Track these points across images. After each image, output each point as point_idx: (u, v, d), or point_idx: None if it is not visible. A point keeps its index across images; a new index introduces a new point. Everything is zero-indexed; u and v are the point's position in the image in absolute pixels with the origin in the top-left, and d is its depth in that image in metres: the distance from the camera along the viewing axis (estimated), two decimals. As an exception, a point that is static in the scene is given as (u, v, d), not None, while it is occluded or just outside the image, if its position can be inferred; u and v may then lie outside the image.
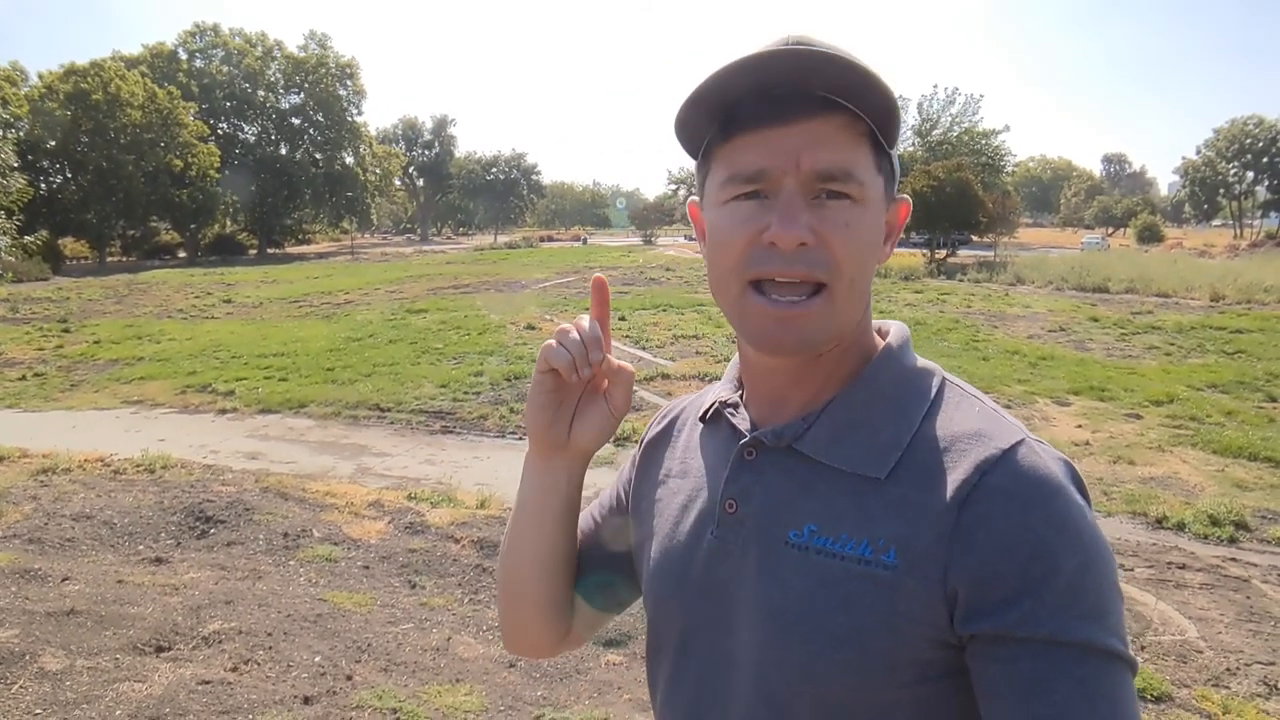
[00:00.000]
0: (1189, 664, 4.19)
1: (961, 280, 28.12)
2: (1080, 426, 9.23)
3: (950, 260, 35.99)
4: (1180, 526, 6.25)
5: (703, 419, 0.98)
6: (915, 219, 35.32)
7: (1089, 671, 0.69)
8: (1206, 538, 6.08)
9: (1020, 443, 0.76)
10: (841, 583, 0.76)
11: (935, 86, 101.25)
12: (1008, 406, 9.93)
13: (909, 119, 72.05)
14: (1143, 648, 4.34)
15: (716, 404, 0.95)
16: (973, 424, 0.79)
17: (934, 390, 0.84)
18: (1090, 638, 0.69)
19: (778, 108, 0.77)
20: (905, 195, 0.88)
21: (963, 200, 35.04)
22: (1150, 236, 62.53)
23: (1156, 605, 4.89)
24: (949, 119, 68.13)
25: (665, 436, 1.05)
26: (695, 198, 0.90)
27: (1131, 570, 5.44)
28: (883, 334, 0.91)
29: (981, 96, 76.52)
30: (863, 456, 0.80)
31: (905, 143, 71.13)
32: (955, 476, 0.75)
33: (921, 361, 0.88)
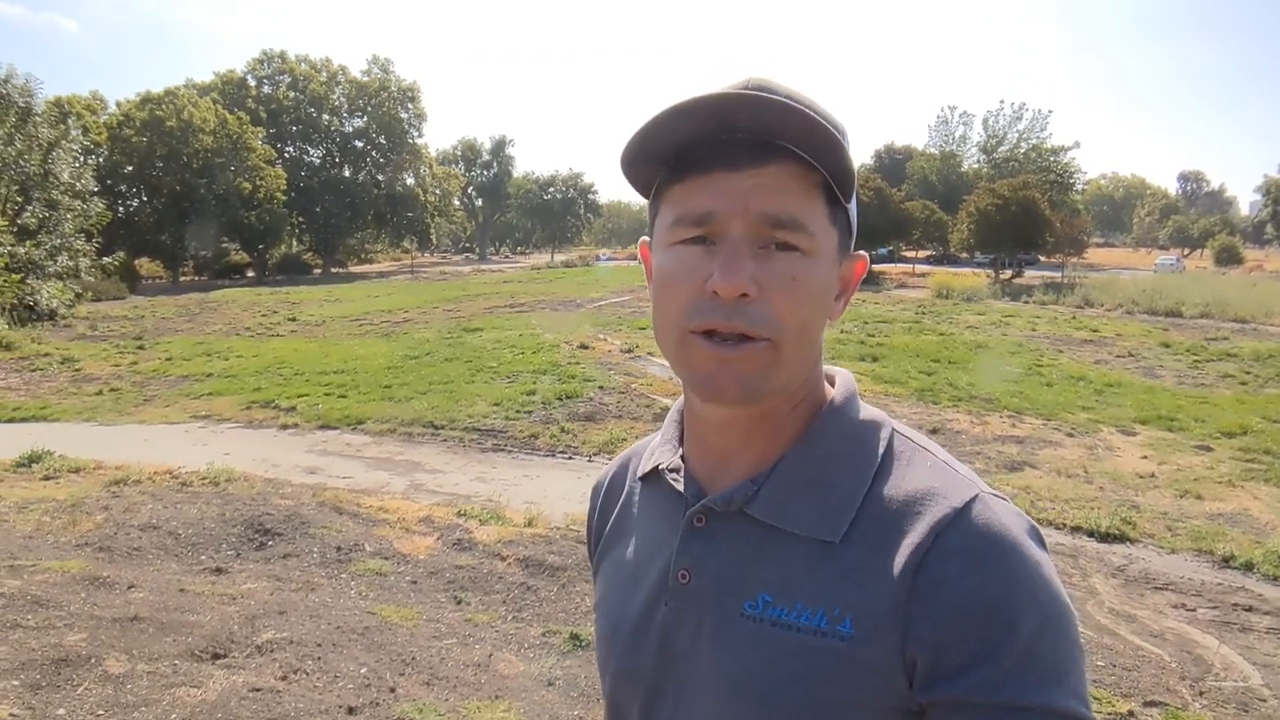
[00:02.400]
0: (1250, 713, 4.05)
1: (1027, 302, 27.63)
2: (1146, 458, 8.98)
3: (1015, 281, 35.39)
4: (1248, 566, 6.01)
5: (644, 478, 0.95)
6: (978, 238, 35.20)
7: None
8: (1276, 579, 5.85)
9: (974, 499, 0.74)
10: (798, 655, 0.74)
11: (1001, 102, 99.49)
12: (1070, 435, 9.95)
13: (974, 135, 71.28)
14: (1201, 693, 4.22)
15: (656, 467, 0.92)
16: (925, 481, 0.77)
17: (883, 444, 0.82)
18: (1049, 701, 0.67)
19: (731, 152, 0.75)
20: (862, 252, 0.85)
21: (1028, 219, 34.50)
22: (1228, 258, 60.75)
23: (1219, 649, 4.74)
24: (1015, 135, 67.17)
25: (614, 491, 1.04)
26: (646, 237, 0.87)
27: (1194, 611, 5.30)
28: (830, 382, 0.88)
29: (1050, 112, 75.38)
30: (815, 519, 0.78)
31: (970, 159, 70.31)
32: (910, 539, 0.73)
33: (868, 412, 0.85)
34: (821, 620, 0.74)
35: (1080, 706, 0.68)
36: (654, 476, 0.92)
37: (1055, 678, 0.68)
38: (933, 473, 0.78)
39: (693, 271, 0.76)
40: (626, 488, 1.00)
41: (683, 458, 0.90)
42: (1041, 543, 0.75)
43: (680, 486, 0.87)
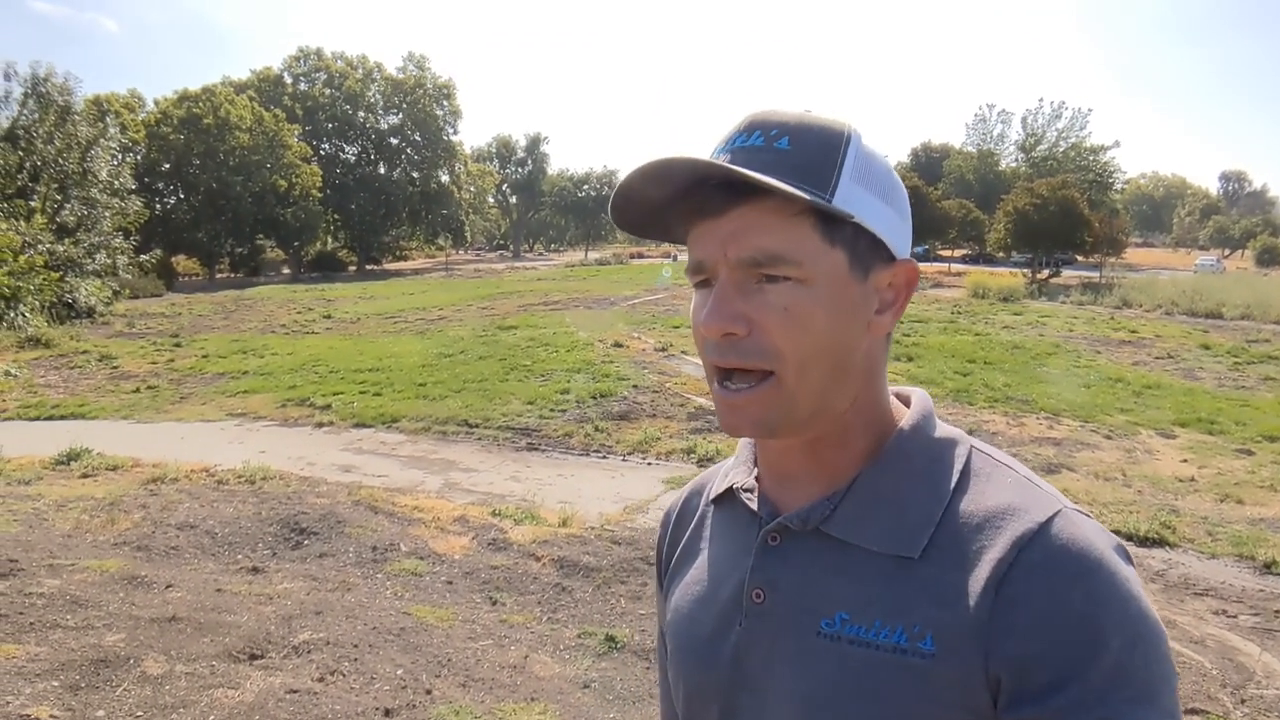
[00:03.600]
0: (1293, 721, 3.98)
1: (1064, 302, 27.35)
2: (1185, 461, 8.86)
3: (1053, 281, 35.02)
4: (1291, 573, 5.88)
5: (716, 500, 0.95)
6: (1015, 237, 34.84)
7: None
8: (1319, 585, 5.72)
9: (1057, 514, 0.73)
10: (876, 673, 0.73)
11: (1040, 100, 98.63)
12: (1108, 438, 9.77)
13: (1012, 133, 70.59)
14: (1242, 701, 4.15)
15: (730, 487, 0.92)
16: (1006, 497, 0.76)
17: (962, 461, 0.80)
18: None
19: (708, 201, 0.76)
20: (908, 259, 0.82)
21: (1066, 219, 34.15)
22: (1270, 259, 59.87)
23: (1261, 656, 4.66)
24: (1054, 134, 66.53)
25: (685, 517, 1.02)
26: None
27: (1235, 617, 5.21)
28: (905, 402, 0.87)
29: (1090, 110, 74.51)
30: (893, 536, 0.77)
31: (1009, 158, 69.67)
32: (991, 555, 0.72)
33: (946, 430, 0.84)
34: (901, 637, 0.73)
35: None
36: (728, 497, 0.92)
37: (1147, 696, 0.66)
38: (1014, 489, 0.77)
39: (697, 312, 0.80)
40: (699, 512, 0.99)
41: (757, 479, 0.90)
42: (1128, 558, 0.73)
43: (754, 505, 0.87)
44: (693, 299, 0.82)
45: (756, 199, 0.74)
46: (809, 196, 0.73)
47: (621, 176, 0.77)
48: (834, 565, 0.79)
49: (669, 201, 0.79)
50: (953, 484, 0.78)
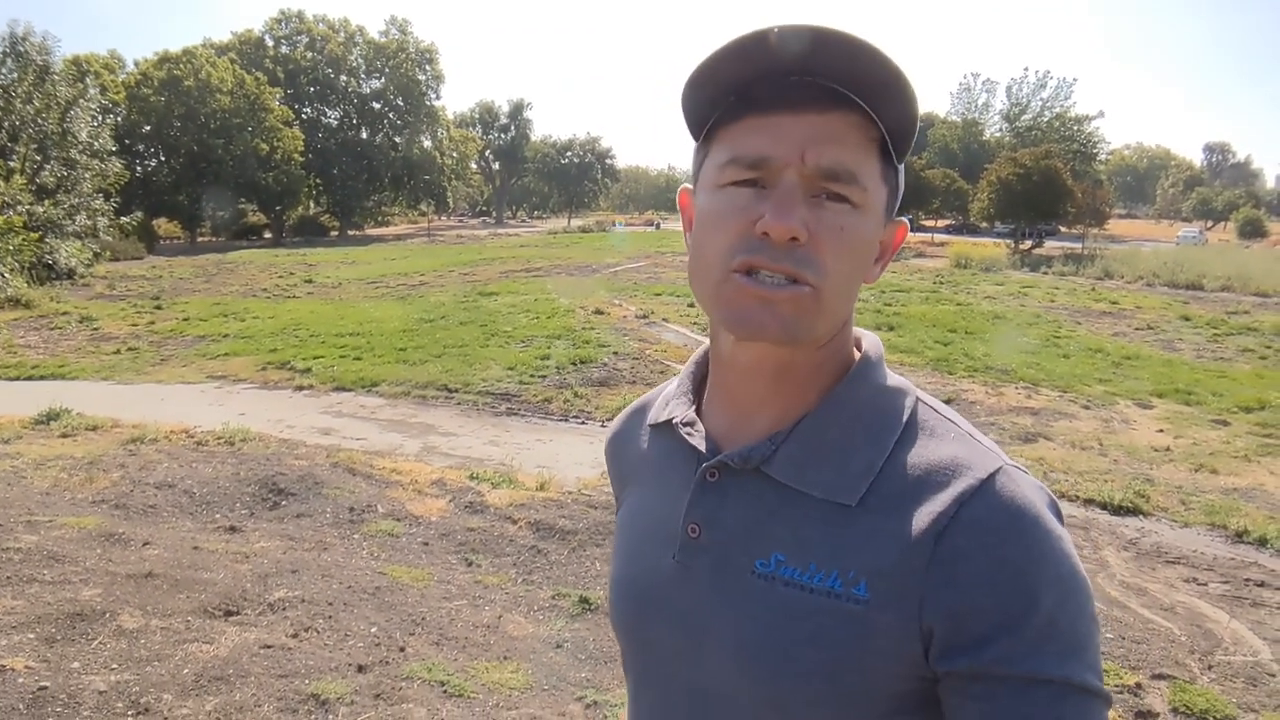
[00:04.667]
0: (1259, 687, 4.04)
1: (1046, 273, 27.42)
2: (1162, 431, 8.94)
3: (1035, 252, 35.14)
4: (1262, 542, 5.98)
5: (655, 428, 0.94)
6: (999, 208, 34.82)
7: (1067, 709, 0.67)
8: (1290, 554, 5.82)
9: (998, 471, 0.73)
10: (810, 616, 0.74)
11: (1025, 69, 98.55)
12: (1086, 408, 9.88)
13: (997, 103, 70.46)
14: (1210, 667, 4.22)
15: (670, 420, 0.90)
16: (949, 450, 0.76)
17: (907, 412, 0.81)
18: (1069, 675, 0.67)
19: (790, 94, 0.73)
20: (903, 218, 0.83)
21: (1050, 189, 34.18)
22: (1252, 231, 60.03)
23: (1229, 623, 4.74)
24: (1039, 104, 66.39)
25: (619, 446, 1.03)
26: (688, 185, 0.86)
27: (1205, 585, 5.29)
28: (857, 345, 0.87)
29: (1075, 80, 74.24)
30: (833, 482, 0.77)
31: (993, 128, 69.56)
32: (931, 507, 0.72)
33: (894, 379, 0.84)
34: (835, 582, 0.73)
35: (1095, 680, 0.69)
36: (667, 429, 0.91)
37: (1074, 651, 0.69)
38: (956, 443, 0.77)
39: (742, 212, 0.74)
40: (639, 438, 0.98)
41: (698, 412, 0.89)
42: (1060, 517, 0.74)
43: (695, 441, 0.85)
44: (717, 198, 0.77)
45: (845, 111, 0.73)
46: (898, 128, 0.74)
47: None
48: (772, 506, 0.79)
49: (746, 83, 0.75)
50: (897, 435, 0.79)
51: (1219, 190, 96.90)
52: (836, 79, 0.72)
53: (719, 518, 0.81)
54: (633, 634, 0.90)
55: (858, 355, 0.85)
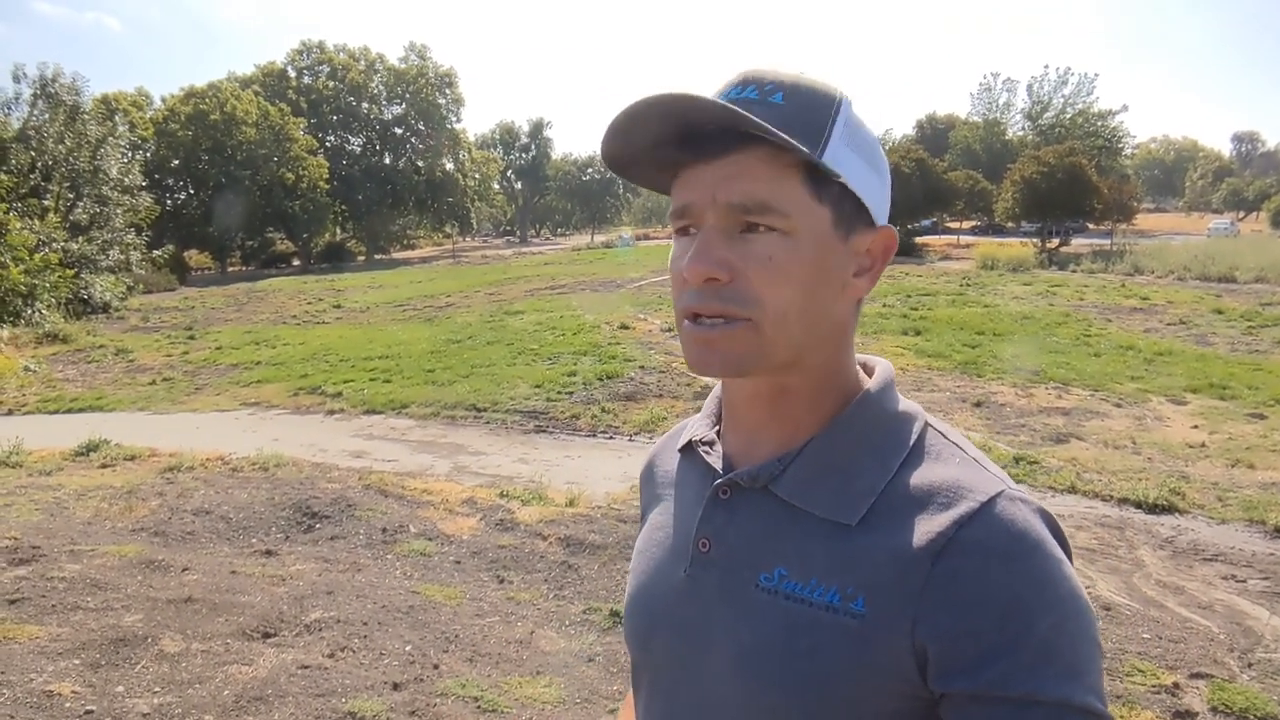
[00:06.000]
0: (1301, 685, 3.99)
1: (1074, 271, 27.14)
2: (1196, 427, 8.83)
3: (1062, 250, 34.77)
4: (1302, 537, 5.88)
5: (682, 450, 0.98)
6: (1024, 207, 34.47)
7: None
8: (1330, 549, 5.71)
9: (999, 495, 0.74)
10: (809, 629, 0.75)
11: (1046, 67, 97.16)
12: (1118, 406, 9.79)
13: (1018, 102, 69.95)
14: (1250, 665, 4.16)
15: (691, 440, 0.95)
16: (951, 474, 0.77)
17: (914, 436, 0.82)
18: (1068, 696, 0.68)
19: (699, 145, 0.77)
20: (887, 225, 0.84)
21: (1075, 186, 33.83)
22: (1286, 221, 59.05)
23: (1269, 620, 4.68)
24: (1061, 100, 65.77)
25: (651, 468, 1.07)
26: None
27: (1244, 582, 5.22)
28: (868, 371, 0.89)
29: (1096, 75, 73.52)
30: (836, 502, 0.79)
31: (1015, 127, 69.01)
32: (930, 528, 0.73)
33: (904, 404, 0.85)
34: (834, 597, 0.75)
35: (1097, 702, 0.69)
36: (690, 450, 0.95)
37: (1074, 673, 0.69)
38: (960, 467, 0.79)
39: (677, 261, 0.80)
40: (669, 461, 1.02)
41: (718, 434, 0.93)
42: (1064, 542, 0.76)
43: (711, 460, 0.89)
44: (671, 248, 0.83)
45: (749, 146, 0.75)
46: (805, 149, 0.74)
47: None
48: (778, 524, 0.81)
49: (658, 143, 0.79)
50: (901, 457, 0.80)
51: (1249, 180, 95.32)
52: (734, 121, 0.74)
53: (727, 533, 0.84)
54: (643, 646, 0.92)
55: (866, 380, 0.87)
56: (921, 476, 0.78)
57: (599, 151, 0.82)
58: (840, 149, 0.77)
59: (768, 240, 0.76)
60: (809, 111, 0.76)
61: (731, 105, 0.74)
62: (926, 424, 0.84)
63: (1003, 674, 0.68)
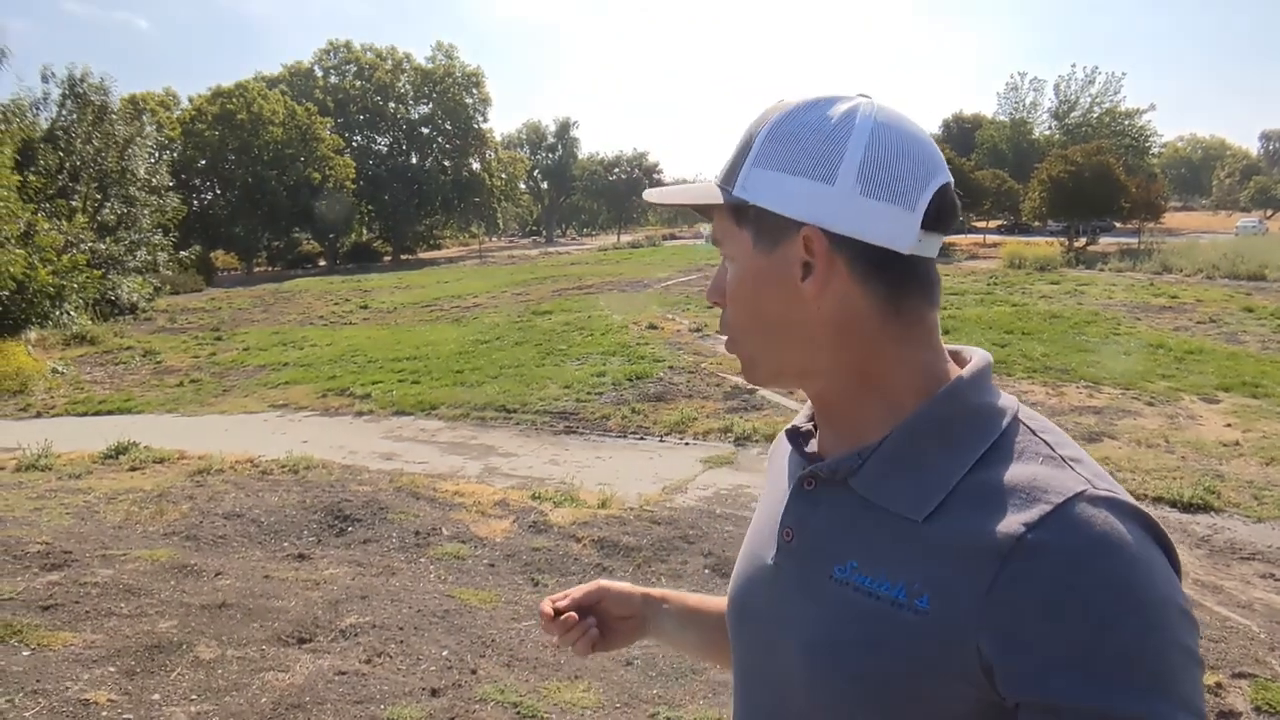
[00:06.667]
0: (1344, 683, 3.92)
1: (1102, 270, 26.89)
2: (1229, 426, 8.73)
3: (1090, 249, 34.42)
4: (1340, 534, 5.79)
5: (787, 435, 0.99)
6: (1051, 206, 34.30)
7: None
8: (1369, 546, 5.64)
9: (1079, 495, 0.71)
10: (875, 623, 0.75)
11: (1073, 66, 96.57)
12: (1149, 404, 9.63)
13: (1045, 101, 69.46)
14: (1290, 664, 4.11)
15: (795, 426, 0.98)
16: (1030, 472, 0.75)
17: (1000, 431, 0.79)
18: (1150, 712, 0.64)
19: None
20: (808, 224, 0.81)
21: (1102, 185, 33.59)
22: (1314, 218, 58.23)
23: (1310, 618, 4.62)
24: (1088, 100, 65.37)
25: (775, 449, 1.09)
26: None
27: (1281, 581, 5.16)
28: (961, 362, 0.87)
29: (1124, 74, 72.48)
30: (905, 497, 0.78)
31: (1042, 126, 68.54)
32: (1000, 528, 0.71)
33: (997, 397, 0.83)
34: (900, 592, 0.74)
35: (1189, 718, 0.65)
36: (793, 436, 0.97)
37: (1159, 686, 0.65)
38: (1042, 465, 0.75)
39: None
40: (783, 445, 1.04)
41: (814, 424, 0.96)
42: (1162, 542, 0.72)
43: (804, 448, 0.93)
44: None
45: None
46: (721, 195, 0.86)
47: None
48: (853, 517, 0.82)
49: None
50: (980, 453, 0.77)
51: (1278, 178, 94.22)
52: (702, 206, 0.91)
53: (808, 524, 0.86)
54: (735, 629, 0.97)
55: (956, 372, 0.84)
56: (999, 474, 0.75)
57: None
58: (752, 173, 0.83)
59: (728, 270, 0.89)
60: (736, 153, 0.86)
61: (676, 200, 0.94)
62: (1017, 418, 0.81)
63: (1073, 685, 0.65)
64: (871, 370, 0.84)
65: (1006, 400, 0.83)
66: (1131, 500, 0.73)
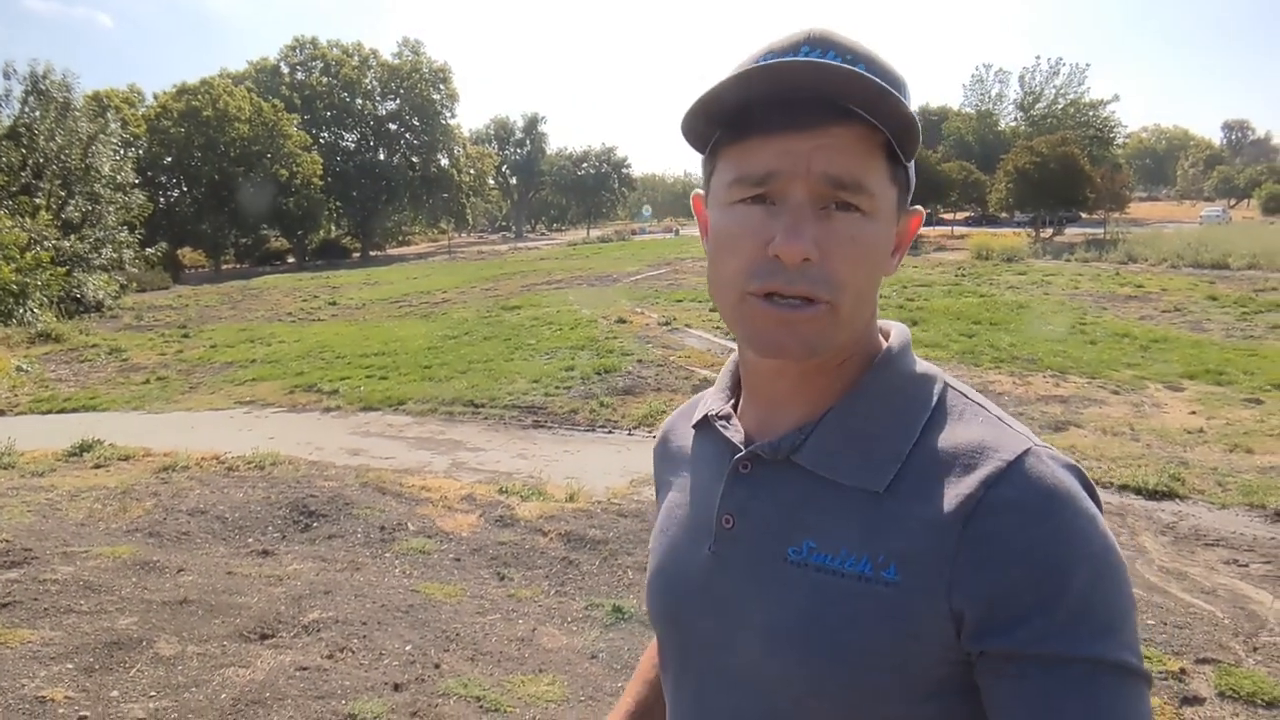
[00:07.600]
0: (1306, 668, 3.97)
1: (1068, 260, 27.14)
2: (1194, 413, 8.83)
3: (1056, 239, 34.83)
4: (1304, 519, 5.86)
5: (696, 426, 0.96)
6: (1017, 197, 34.78)
7: (1101, 688, 0.67)
8: (1332, 531, 5.70)
9: (1027, 452, 0.73)
10: (843, 600, 0.74)
11: (1038, 58, 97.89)
12: (1115, 393, 9.76)
13: (1010, 93, 70.15)
14: (1255, 649, 4.15)
15: (707, 415, 0.93)
16: (976, 434, 0.76)
17: (935, 398, 0.81)
18: (1102, 653, 0.67)
19: (793, 114, 0.73)
20: (918, 207, 0.84)
21: (1068, 176, 34.01)
22: (1277, 207, 59.24)
23: (1273, 604, 4.66)
24: (1053, 91, 66.13)
25: (665, 445, 1.05)
26: (700, 190, 0.87)
27: (1246, 566, 5.20)
28: (885, 335, 0.87)
29: (1088, 65, 73.68)
30: (860, 470, 0.77)
31: (1007, 118, 69.20)
32: (959, 490, 0.72)
33: (922, 366, 0.84)
34: (865, 566, 0.74)
35: (1132, 658, 0.69)
36: (705, 425, 0.94)
37: (1108, 630, 0.68)
38: (984, 426, 0.77)
39: (754, 233, 0.76)
40: (683, 438, 1.01)
41: (734, 407, 0.92)
42: (1095, 496, 0.74)
43: (730, 434, 0.88)
44: (728, 216, 0.78)
45: (846, 122, 0.73)
46: (909, 115, 0.73)
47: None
48: (803, 495, 0.80)
49: (745, 107, 0.75)
50: (924, 420, 0.79)
51: (1240, 168, 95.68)
52: (835, 93, 0.72)
53: (751, 508, 0.83)
54: (672, 625, 0.91)
55: (884, 344, 0.86)
56: (947, 438, 0.77)
57: (693, 106, 0.77)
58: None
59: (850, 221, 0.75)
60: (899, 94, 0.73)
61: (876, 79, 0.71)
62: (946, 385, 0.83)
63: (1037, 631, 0.68)
64: (868, 341, 0.85)
65: (932, 367, 0.85)
66: (1063, 454, 0.76)
